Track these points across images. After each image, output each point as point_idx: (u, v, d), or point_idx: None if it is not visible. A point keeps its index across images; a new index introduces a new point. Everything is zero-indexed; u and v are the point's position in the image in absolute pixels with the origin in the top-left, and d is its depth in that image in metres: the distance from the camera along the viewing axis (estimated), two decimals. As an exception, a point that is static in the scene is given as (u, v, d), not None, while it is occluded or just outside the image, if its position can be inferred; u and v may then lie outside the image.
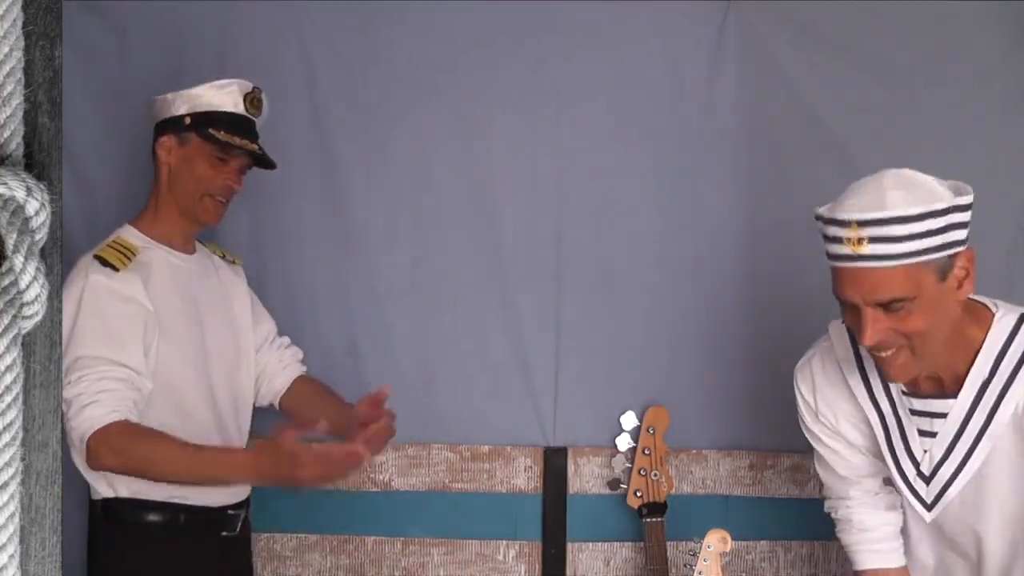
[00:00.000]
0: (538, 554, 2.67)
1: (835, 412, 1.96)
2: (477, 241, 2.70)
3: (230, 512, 2.32)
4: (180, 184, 2.28)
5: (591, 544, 2.69)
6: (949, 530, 1.92)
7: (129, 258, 2.20)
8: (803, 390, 1.99)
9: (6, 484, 0.85)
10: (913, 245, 1.63)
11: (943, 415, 1.81)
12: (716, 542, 2.36)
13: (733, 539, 2.39)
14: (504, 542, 2.68)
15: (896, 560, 2.02)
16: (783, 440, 2.70)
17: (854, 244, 1.65)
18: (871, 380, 1.89)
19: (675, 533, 2.56)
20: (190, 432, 2.16)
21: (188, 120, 2.26)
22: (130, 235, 2.27)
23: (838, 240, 1.67)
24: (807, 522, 2.66)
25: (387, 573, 2.67)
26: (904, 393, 1.86)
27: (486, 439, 2.68)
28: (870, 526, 2.02)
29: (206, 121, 2.26)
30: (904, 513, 2.01)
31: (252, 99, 2.32)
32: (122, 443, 2.05)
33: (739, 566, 2.69)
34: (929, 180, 1.68)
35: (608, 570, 2.69)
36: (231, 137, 2.27)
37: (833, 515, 2.08)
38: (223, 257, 2.47)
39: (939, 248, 1.64)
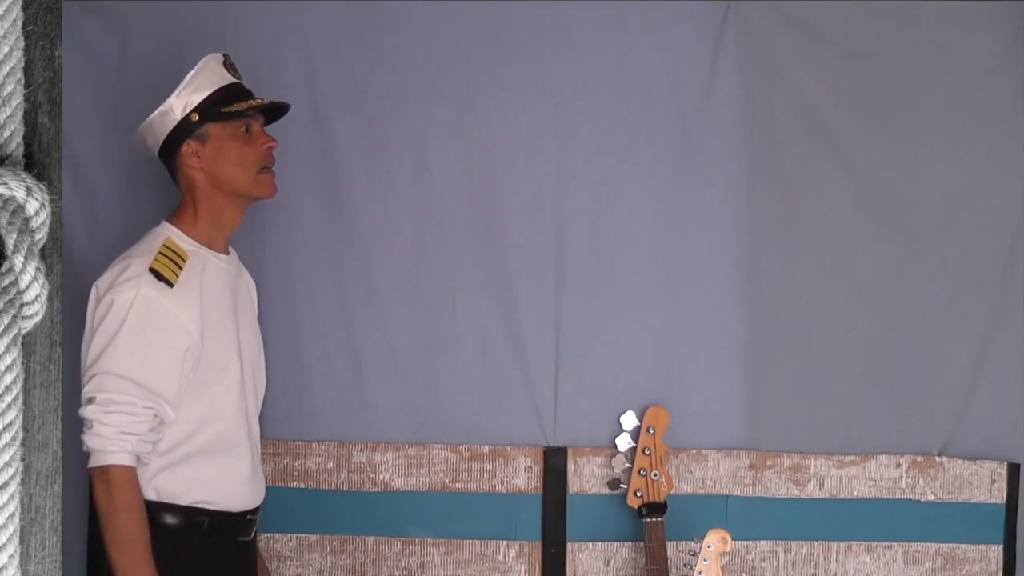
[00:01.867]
0: (538, 554, 2.67)
1: None
2: (477, 241, 2.69)
3: (248, 517, 2.30)
4: (227, 177, 2.24)
5: (591, 544, 2.69)
6: None
7: (180, 267, 2.16)
8: None
9: (6, 484, 0.85)
10: None
11: None
12: (716, 542, 2.37)
13: (733, 539, 2.39)
14: (504, 542, 2.68)
15: None
16: (783, 440, 2.70)
17: None
18: None
19: (675, 533, 2.56)
20: (225, 433, 2.21)
21: (196, 116, 2.22)
22: (177, 238, 2.22)
23: None
24: (807, 522, 2.66)
25: (387, 573, 2.67)
26: None
27: (486, 439, 2.68)
28: None
29: (213, 105, 2.23)
30: None
31: (229, 64, 2.30)
32: (118, 487, 2.06)
33: (739, 566, 2.69)
34: None
35: (608, 570, 2.69)
36: (244, 104, 2.25)
37: None
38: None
39: None
